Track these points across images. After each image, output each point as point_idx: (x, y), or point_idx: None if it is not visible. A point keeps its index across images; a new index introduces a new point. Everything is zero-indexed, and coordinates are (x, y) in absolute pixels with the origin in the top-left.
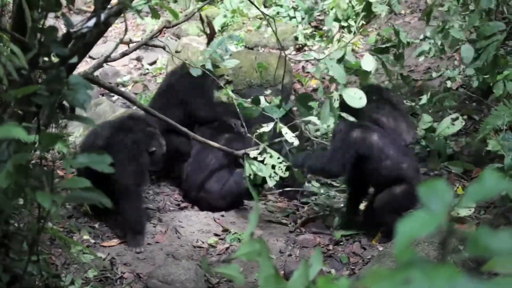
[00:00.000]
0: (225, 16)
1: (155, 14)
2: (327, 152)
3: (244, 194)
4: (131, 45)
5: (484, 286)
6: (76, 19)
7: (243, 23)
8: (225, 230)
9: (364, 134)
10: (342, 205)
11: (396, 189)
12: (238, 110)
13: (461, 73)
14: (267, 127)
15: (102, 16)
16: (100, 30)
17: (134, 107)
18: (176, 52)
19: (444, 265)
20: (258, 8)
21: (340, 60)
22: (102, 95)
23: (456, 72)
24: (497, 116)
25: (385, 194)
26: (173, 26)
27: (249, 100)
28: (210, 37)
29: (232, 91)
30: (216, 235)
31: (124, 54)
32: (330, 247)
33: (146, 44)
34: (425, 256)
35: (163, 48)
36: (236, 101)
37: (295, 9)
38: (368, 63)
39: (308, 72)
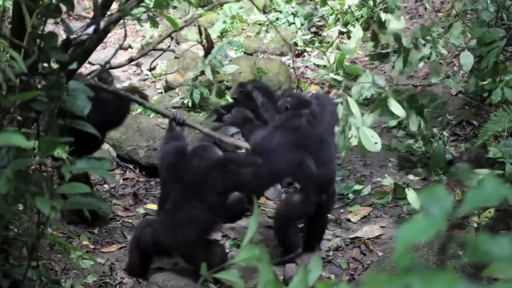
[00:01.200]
0: (224, 22)
1: (153, 23)
2: None
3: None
4: (130, 50)
5: None
6: (75, 25)
7: (243, 29)
8: (225, 236)
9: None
10: (342, 210)
11: (294, 197)
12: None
13: (461, 79)
14: None
15: (102, 23)
16: (99, 36)
17: None
18: (175, 58)
19: (443, 271)
20: (262, 13)
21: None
22: None
23: (457, 80)
24: (496, 121)
25: (283, 203)
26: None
27: None
28: (208, 50)
29: None
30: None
31: (131, 60)
32: (330, 252)
33: (154, 49)
34: (424, 262)
35: (173, 51)
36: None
37: (294, 15)
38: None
39: (307, 78)
